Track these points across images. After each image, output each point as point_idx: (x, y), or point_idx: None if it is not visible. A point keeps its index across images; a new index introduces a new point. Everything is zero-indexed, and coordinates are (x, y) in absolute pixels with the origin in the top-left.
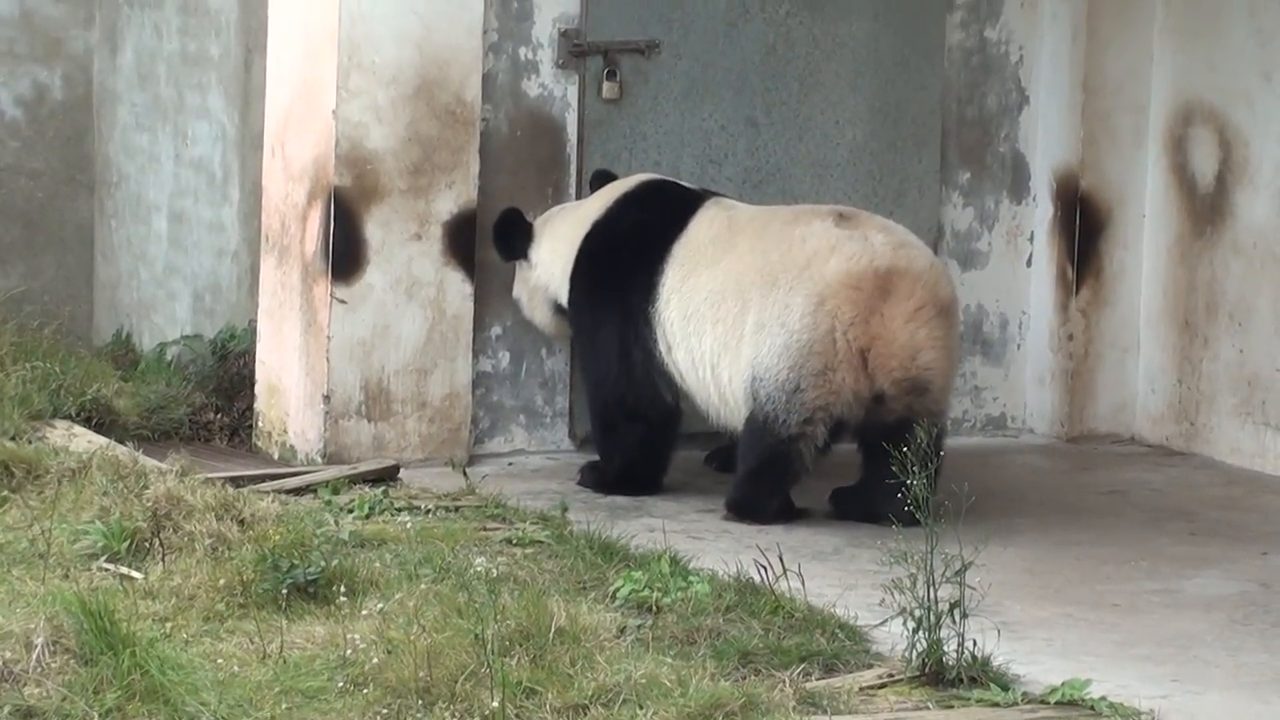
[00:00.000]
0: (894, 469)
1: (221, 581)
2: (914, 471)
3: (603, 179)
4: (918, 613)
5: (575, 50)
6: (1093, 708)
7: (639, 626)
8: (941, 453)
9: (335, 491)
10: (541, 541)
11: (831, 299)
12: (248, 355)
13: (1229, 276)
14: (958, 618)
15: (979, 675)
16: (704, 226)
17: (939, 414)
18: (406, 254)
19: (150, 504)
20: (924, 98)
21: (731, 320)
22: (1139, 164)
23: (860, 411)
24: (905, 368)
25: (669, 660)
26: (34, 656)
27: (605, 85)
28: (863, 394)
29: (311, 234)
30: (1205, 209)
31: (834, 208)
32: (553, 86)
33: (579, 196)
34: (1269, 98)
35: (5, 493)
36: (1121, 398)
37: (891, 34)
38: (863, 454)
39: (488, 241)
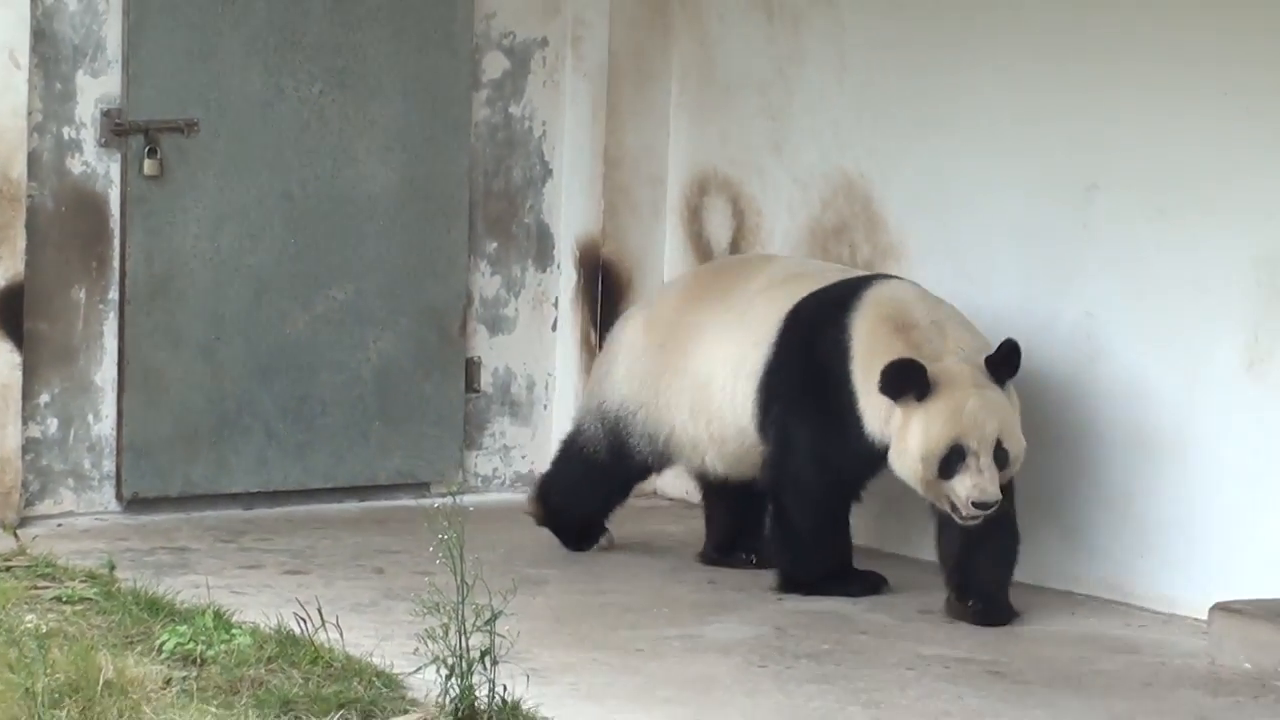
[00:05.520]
0: None
1: None
2: (444, 526)
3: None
4: (450, 660)
5: (117, 129)
6: None
7: (184, 678)
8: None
9: None
10: (90, 598)
11: None
12: None
13: None
14: (489, 664)
15: (510, 719)
16: None
17: None
18: None
19: None
20: (452, 172)
21: None
22: (658, 233)
23: None
24: None
25: (213, 710)
26: None
27: (146, 163)
28: None
29: None
30: None
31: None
32: (96, 164)
33: (123, 269)
34: (778, 168)
35: None
36: None
37: (420, 111)
38: None
39: (36, 312)
